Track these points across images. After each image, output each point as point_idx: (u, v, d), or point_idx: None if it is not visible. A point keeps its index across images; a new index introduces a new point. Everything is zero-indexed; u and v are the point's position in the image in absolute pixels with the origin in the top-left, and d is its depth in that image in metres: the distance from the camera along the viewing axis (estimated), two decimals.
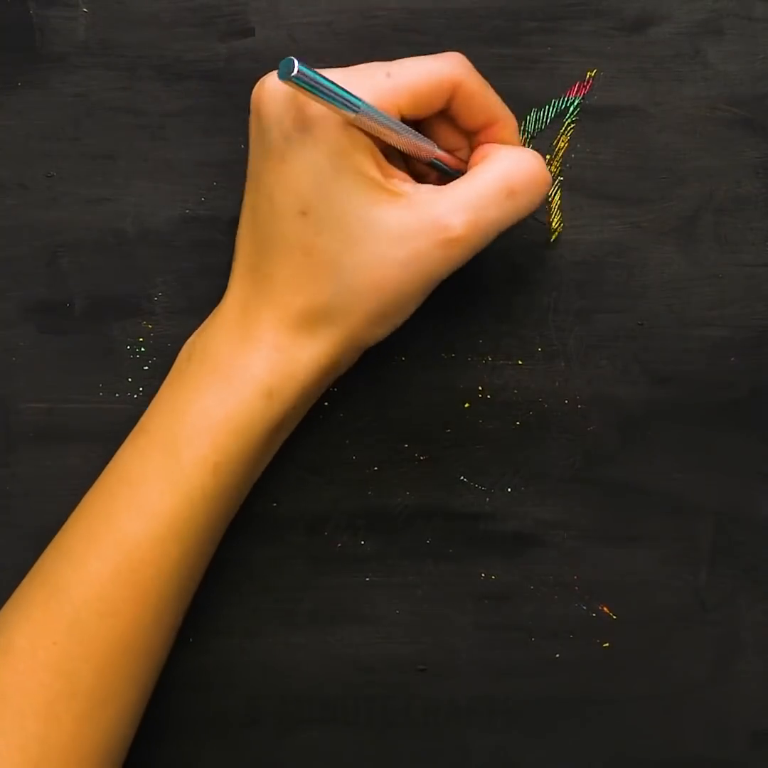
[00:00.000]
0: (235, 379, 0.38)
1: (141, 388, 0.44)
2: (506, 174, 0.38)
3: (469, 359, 0.44)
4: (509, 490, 0.45)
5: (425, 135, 0.40)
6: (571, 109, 0.44)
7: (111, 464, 0.40)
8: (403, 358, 0.44)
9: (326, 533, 0.44)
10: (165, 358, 0.44)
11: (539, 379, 0.44)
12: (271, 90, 0.38)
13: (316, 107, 0.36)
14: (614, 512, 0.45)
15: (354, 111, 0.35)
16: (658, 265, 0.44)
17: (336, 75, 0.37)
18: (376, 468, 0.44)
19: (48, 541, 0.40)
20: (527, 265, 0.42)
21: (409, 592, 0.45)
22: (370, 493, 0.44)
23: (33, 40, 0.44)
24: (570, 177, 0.44)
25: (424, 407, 0.44)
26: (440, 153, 0.41)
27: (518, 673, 0.45)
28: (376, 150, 0.38)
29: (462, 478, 0.45)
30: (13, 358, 0.44)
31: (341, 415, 0.44)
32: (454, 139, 0.41)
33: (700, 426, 0.44)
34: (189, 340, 0.41)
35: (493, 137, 0.40)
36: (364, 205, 0.37)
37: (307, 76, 0.34)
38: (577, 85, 0.44)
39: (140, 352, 0.44)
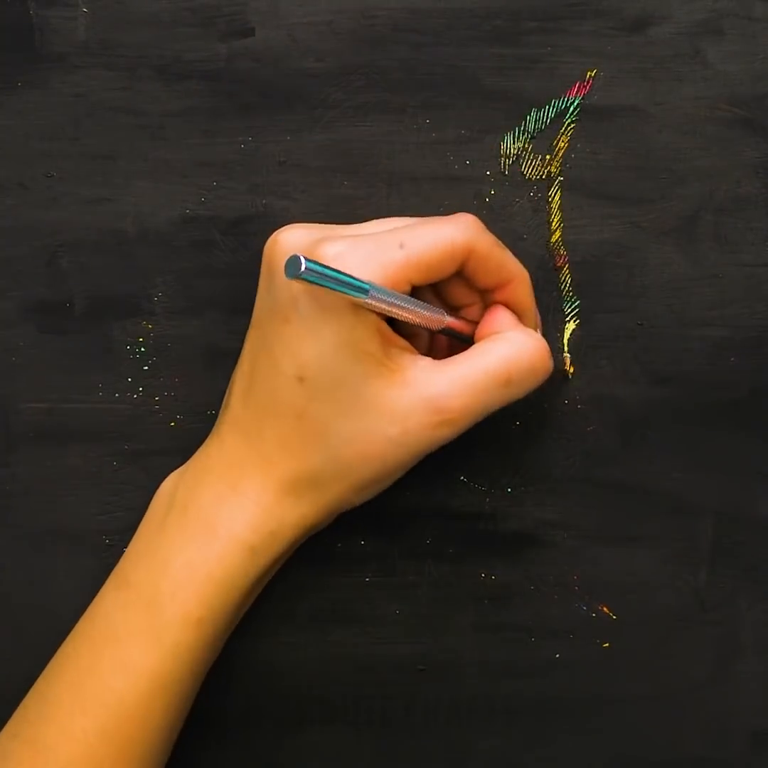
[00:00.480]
0: (218, 534, 0.38)
1: (141, 388, 0.44)
2: (506, 362, 0.38)
3: None
4: (509, 490, 0.45)
5: (438, 293, 0.41)
6: (571, 109, 0.44)
7: (93, 611, 0.40)
8: None
9: (326, 533, 0.44)
10: (165, 358, 0.44)
11: None
12: (284, 248, 0.38)
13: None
14: (614, 512, 0.45)
15: (363, 296, 0.36)
16: (658, 265, 0.44)
17: (346, 246, 0.36)
18: None
19: (48, 540, 0.40)
20: (526, 266, 0.42)
21: (409, 592, 0.45)
22: None
23: (33, 40, 0.44)
24: (570, 177, 0.44)
25: None
26: (449, 321, 0.40)
27: (518, 673, 0.45)
28: (382, 322, 0.38)
29: (462, 478, 0.45)
30: (13, 358, 0.44)
31: None
32: (467, 297, 0.41)
33: (700, 426, 0.44)
34: (169, 483, 0.41)
35: (507, 296, 0.40)
36: (359, 378, 0.37)
37: (315, 271, 0.34)
38: (577, 85, 0.44)
39: (140, 352, 0.44)
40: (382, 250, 0.37)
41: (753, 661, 0.45)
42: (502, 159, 0.44)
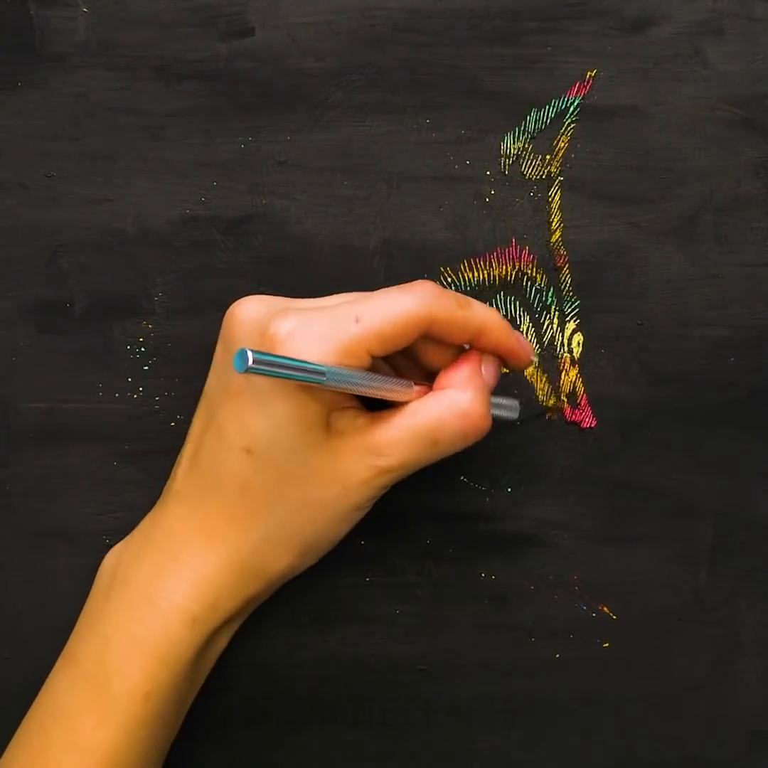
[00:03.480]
0: (159, 605, 0.38)
1: (141, 388, 0.44)
2: (434, 423, 0.37)
3: None
4: (509, 490, 0.45)
5: (409, 355, 0.39)
6: (571, 109, 0.44)
7: (43, 694, 0.40)
8: None
9: None
10: (165, 358, 0.44)
11: (539, 379, 0.44)
12: (240, 319, 0.38)
13: (286, 349, 0.35)
14: (614, 512, 0.45)
15: (320, 380, 0.34)
16: (658, 265, 0.44)
17: (299, 321, 0.36)
18: None
19: (48, 540, 0.40)
20: (527, 265, 0.42)
21: (409, 592, 0.45)
22: None
23: (33, 40, 0.44)
24: (570, 177, 0.44)
25: None
26: (416, 391, 0.39)
27: (518, 673, 0.45)
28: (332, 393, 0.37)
29: (462, 478, 0.45)
30: (13, 358, 0.44)
31: None
32: (440, 356, 0.39)
33: (700, 426, 0.44)
34: (112, 556, 0.41)
35: (483, 345, 0.39)
36: (306, 448, 0.37)
37: (265, 362, 0.33)
38: (577, 85, 0.44)
39: (140, 352, 0.44)
40: (337, 325, 0.36)
41: (753, 661, 0.45)
42: (502, 159, 0.44)
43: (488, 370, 0.39)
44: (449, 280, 0.44)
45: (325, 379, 0.35)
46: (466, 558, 0.45)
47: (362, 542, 0.44)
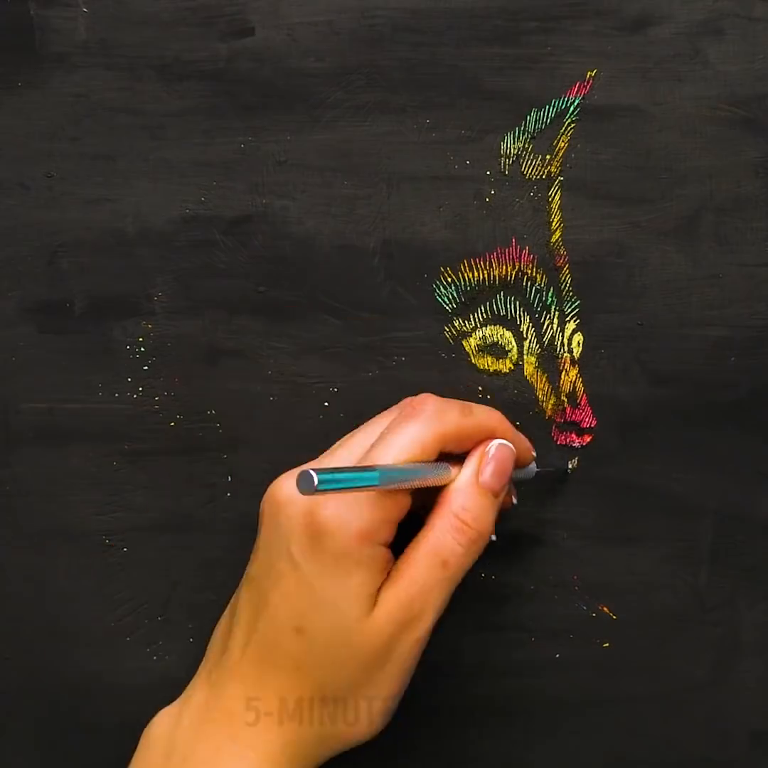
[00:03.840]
0: None
1: (141, 388, 0.44)
2: (437, 548, 0.38)
3: (470, 359, 0.44)
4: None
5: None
6: (571, 109, 0.44)
7: None
8: (403, 358, 0.44)
9: None
10: (165, 358, 0.44)
11: (539, 379, 0.44)
12: (288, 501, 0.38)
13: (331, 535, 0.37)
14: (614, 512, 0.45)
15: (375, 483, 0.36)
16: (658, 265, 0.44)
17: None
18: None
19: (48, 540, 0.40)
20: (527, 265, 0.42)
21: None
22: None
23: (33, 40, 0.44)
24: (570, 177, 0.44)
25: None
26: (454, 471, 0.40)
27: (518, 673, 0.45)
28: (384, 552, 0.38)
29: None
30: (13, 358, 0.44)
31: (341, 415, 0.44)
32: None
33: (700, 426, 0.44)
34: (162, 727, 0.40)
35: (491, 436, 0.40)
36: (352, 622, 0.37)
37: (327, 480, 0.34)
38: (577, 85, 0.44)
39: (140, 352, 0.44)
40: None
41: (753, 661, 0.45)
42: (502, 159, 0.44)
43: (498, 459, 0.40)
44: (449, 280, 0.44)
45: (378, 481, 0.36)
46: None
47: None
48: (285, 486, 0.39)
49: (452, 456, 0.40)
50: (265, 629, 0.38)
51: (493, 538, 0.40)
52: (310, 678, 0.38)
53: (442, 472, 0.39)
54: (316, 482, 0.34)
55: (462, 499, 0.39)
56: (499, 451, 0.40)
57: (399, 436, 0.38)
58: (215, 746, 0.38)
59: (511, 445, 0.40)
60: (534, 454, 0.43)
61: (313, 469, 0.34)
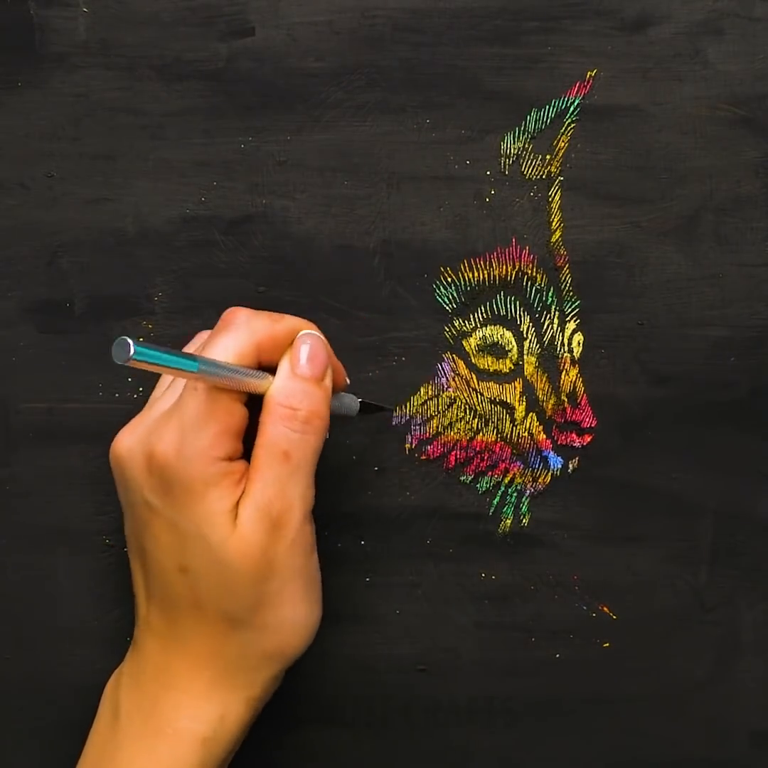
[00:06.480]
0: (165, 733, 0.38)
1: (141, 388, 0.44)
2: (272, 442, 0.38)
3: (470, 359, 0.44)
4: (509, 490, 0.45)
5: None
6: (571, 109, 0.44)
7: None
8: (404, 358, 0.44)
9: (326, 533, 0.44)
10: None
11: (539, 379, 0.44)
12: (128, 454, 0.38)
13: (172, 467, 0.37)
14: (614, 512, 0.45)
15: (193, 369, 0.35)
16: (658, 265, 0.44)
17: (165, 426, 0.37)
18: (376, 468, 0.44)
19: (48, 540, 0.40)
20: (527, 265, 0.42)
21: (409, 592, 0.45)
22: (370, 493, 0.44)
23: (33, 40, 0.44)
24: (570, 177, 0.44)
25: None
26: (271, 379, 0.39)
27: (518, 673, 0.45)
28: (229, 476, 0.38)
29: (462, 478, 0.45)
30: (13, 358, 0.44)
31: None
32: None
33: (700, 426, 0.44)
34: (111, 686, 0.41)
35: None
36: (219, 545, 0.37)
37: (144, 353, 0.33)
38: (577, 85, 0.44)
39: None
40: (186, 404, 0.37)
41: (753, 661, 0.45)
42: (502, 159, 0.44)
43: (306, 351, 0.39)
44: (449, 279, 0.44)
45: (198, 368, 0.35)
46: (466, 558, 0.45)
47: (362, 542, 0.44)
48: (122, 440, 0.39)
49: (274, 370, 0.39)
50: (154, 579, 0.39)
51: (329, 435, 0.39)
52: (211, 610, 0.38)
53: (262, 378, 0.38)
54: (132, 351, 0.33)
55: (283, 389, 0.38)
56: (308, 337, 0.39)
57: (214, 347, 0.37)
58: (152, 697, 0.39)
59: (320, 335, 0.39)
60: (348, 381, 0.42)
61: (131, 339, 0.33)
